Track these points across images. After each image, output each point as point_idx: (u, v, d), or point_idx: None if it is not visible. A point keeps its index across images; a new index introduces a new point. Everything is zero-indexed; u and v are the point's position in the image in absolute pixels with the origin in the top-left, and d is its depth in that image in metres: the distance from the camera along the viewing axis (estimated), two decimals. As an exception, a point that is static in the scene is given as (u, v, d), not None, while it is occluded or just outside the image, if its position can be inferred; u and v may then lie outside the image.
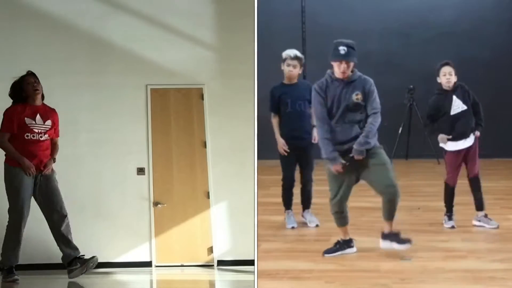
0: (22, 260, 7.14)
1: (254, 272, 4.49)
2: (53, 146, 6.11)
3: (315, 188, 5.69)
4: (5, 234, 5.84)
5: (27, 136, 5.88)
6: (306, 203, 5.78)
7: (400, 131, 7.33)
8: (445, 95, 5.51)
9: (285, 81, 5.64)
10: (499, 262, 4.85)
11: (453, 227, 5.54)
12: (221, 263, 7.36)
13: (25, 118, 5.90)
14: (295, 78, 5.60)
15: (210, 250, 7.41)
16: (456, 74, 5.51)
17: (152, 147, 7.52)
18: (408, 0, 8.75)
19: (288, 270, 4.75)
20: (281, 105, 5.62)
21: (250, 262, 4.92)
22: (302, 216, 5.77)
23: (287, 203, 5.75)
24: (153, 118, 7.58)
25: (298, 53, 5.57)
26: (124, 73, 7.54)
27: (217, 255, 7.41)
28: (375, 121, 4.87)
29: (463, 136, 5.53)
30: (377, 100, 4.91)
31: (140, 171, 7.49)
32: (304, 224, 5.72)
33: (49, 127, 6.00)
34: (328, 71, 4.94)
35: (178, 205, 7.46)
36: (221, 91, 7.65)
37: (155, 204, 7.44)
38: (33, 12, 7.54)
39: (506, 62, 8.12)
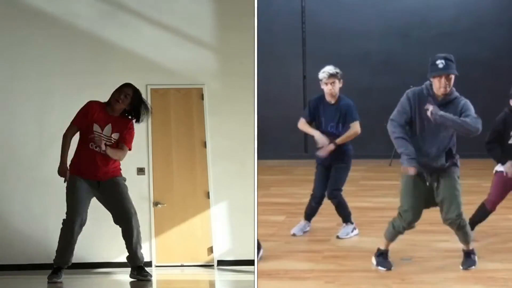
0: (22, 260, 7.19)
1: (254, 272, 4.48)
2: (118, 149, 5.74)
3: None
4: (59, 236, 5.74)
5: (91, 145, 5.64)
6: (343, 216, 5.63)
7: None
8: None
9: (327, 98, 5.52)
10: (499, 262, 4.85)
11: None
12: (221, 263, 7.36)
13: (94, 124, 5.67)
14: (335, 95, 5.48)
15: (210, 250, 7.41)
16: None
17: (152, 147, 7.52)
18: (408, 0, 8.75)
19: (288, 270, 4.75)
20: (315, 119, 5.56)
21: (250, 262, 4.92)
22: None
23: (308, 215, 5.63)
24: (153, 118, 7.57)
25: (332, 70, 5.44)
26: (124, 73, 7.52)
27: (217, 255, 7.41)
28: (470, 120, 4.55)
29: None
30: (473, 113, 4.59)
31: (140, 171, 7.48)
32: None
33: (114, 140, 5.72)
34: (427, 82, 4.67)
35: (178, 205, 7.45)
36: (221, 91, 7.65)
37: (155, 204, 7.44)
38: (33, 12, 7.53)
39: (506, 62, 8.13)
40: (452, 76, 4.60)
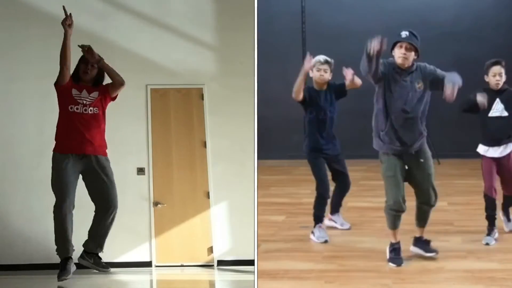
0: (22, 260, 7.19)
1: (254, 272, 4.49)
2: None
3: (314, 187, 5.66)
4: (54, 225, 5.60)
5: (71, 108, 5.60)
6: (336, 206, 5.62)
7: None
8: (490, 95, 5.17)
9: (315, 86, 5.46)
10: (499, 262, 4.85)
11: (487, 244, 5.21)
12: (221, 263, 7.36)
13: (72, 89, 5.63)
14: (325, 83, 5.44)
15: (210, 250, 7.41)
16: (506, 74, 5.17)
17: (152, 147, 7.52)
18: (408, 0, 8.75)
19: (288, 270, 4.75)
20: (308, 107, 5.44)
21: (250, 262, 4.92)
22: (330, 219, 5.64)
23: (320, 216, 5.45)
24: (153, 118, 7.58)
25: (328, 58, 5.41)
26: (124, 73, 7.49)
27: (217, 255, 7.41)
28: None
29: (497, 143, 5.24)
30: (440, 71, 4.76)
31: (140, 171, 7.48)
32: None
33: (94, 98, 5.67)
34: (390, 58, 4.78)
35: (178, 205, 7.45)
36: (221, 91, 7.65)
37: (155, 204, 7.44)
38: (33, 11, 7.53)
39: (506, 62, 8.11)
40: (413, 52, 4.74)
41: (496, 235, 5.33)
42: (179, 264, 7.33)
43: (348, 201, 5.67)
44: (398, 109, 4.76)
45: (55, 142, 5.71)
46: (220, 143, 7.56)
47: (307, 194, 5.66)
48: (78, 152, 5.61)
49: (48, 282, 6.17)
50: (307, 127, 5.52)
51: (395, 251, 4.86)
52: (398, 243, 4.88)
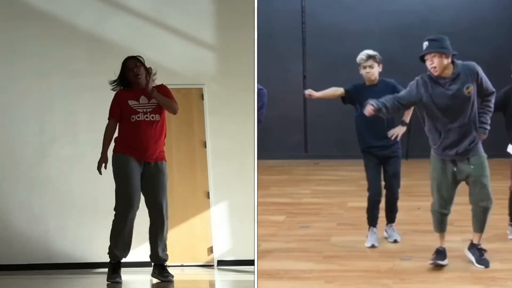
0: (22, 260, 7.19)
1: (254, 272, 4.48)
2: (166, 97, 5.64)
3: (314, 187, 5.67)
4: (112, 226, 5.60)
5: (133, 118, 5.56)
6: (389, 217, 5.33)
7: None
8: None
9: (366, 83, 5.15)
10: (499, 262, 4.84)
11: None
12: (221, 263, 7.36)
13: (128, 101, 5.59)
14: (375, 79, 5.11)
15: (210, 250, 7.41)
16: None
17: (152, 147, 7.51)
18: (408, 0, 8.76)
19: (288, 270, 4.75)
20: (358, 105, 5.12)
21: (250, 262, 4.92)
22: (385, 230, 5.37)
23: (372, 219, 5.22)
24: (153, 118, 7.57)
25: (371, 52, 5.10)
26: (124, 73, 7.55)
27: (217, 255, 7.41)
28: (493, 103, 4.58)
29: None
30: (487, 80, 4.56)
31: (140, 171, 7.48)
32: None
33: (155, 104, 5.61)
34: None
35: (178, 205, 7.45)
36: (221, 91, 7.65)
37: (155, 204, 7.43)
38: (33, 12, 7.53)
39: (506, 62, 8.11)
40: (443, 58, 4.49)
41: None
42: (179, 264, 7.32)
43: (348, 201, 5.66)
44: (448, 122, 4.53)
45: (115, 144, 5.67)
46: (220, 143, 7.56)
47: (307, 194, 5.66)
48: (139, 160, 5.61)
49: (48, 282, 6.17)
50: (355, 124, 5.28)
51: (438, 253, 4.72)
52: (443, 247, 4.74)
